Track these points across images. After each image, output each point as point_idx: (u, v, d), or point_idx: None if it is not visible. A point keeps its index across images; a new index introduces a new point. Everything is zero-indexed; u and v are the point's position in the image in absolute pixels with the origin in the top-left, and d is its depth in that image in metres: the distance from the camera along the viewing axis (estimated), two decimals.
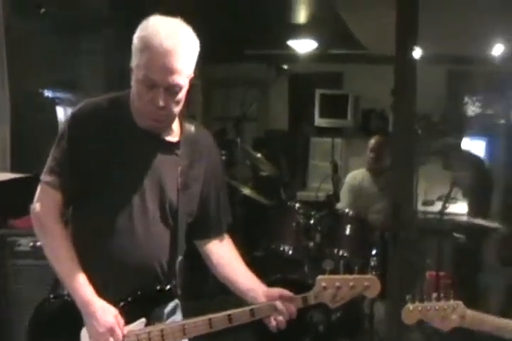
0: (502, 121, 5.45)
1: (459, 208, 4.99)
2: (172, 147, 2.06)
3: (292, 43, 6.52)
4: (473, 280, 4.46)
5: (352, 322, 3.95)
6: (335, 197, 4.36)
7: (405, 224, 3.58)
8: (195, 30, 1.96)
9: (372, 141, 5.07)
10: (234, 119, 4.51)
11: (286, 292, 2.10)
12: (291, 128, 7.59)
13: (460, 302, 2.04)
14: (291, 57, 6.72)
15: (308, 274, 3.97)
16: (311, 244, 4.08)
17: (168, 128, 2.05)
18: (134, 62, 1.92)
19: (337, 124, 6.99)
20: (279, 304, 2.06)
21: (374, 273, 3.92)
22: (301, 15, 5.73)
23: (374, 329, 4.31)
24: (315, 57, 6.89)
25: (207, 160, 2.15)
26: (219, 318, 2.02)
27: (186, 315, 2.18)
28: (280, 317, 2.06)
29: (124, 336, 1.95)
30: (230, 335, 3.75)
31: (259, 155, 4.62)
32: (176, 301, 2.17)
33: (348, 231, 4.07)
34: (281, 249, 4.00)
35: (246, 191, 4.59)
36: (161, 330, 1.99)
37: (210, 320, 2.01)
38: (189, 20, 1.97)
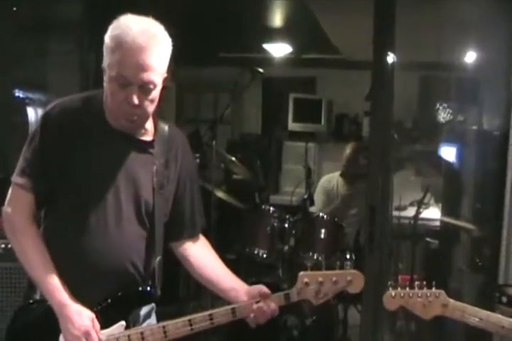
0: (473, 128, 5.49)
1: (432, 213, 5.02)
2: (146, 146, 2.04)
3: (267, 47, 6.51)
4: (445, 284, 4.48)
5: (326, 328, 3.94)
6: (309, 201, 4.35)
7: (380, 228, 3.58)
8: (169, 32, 1.94)
9: (348, 150, 5.08)
10: (209, 122, 4.46)
11: (266, 289, 2.07)
12: (264, 132, 7.59)
13: (442, 291, 2.05)
14: (266, 60, 6.72)
15: (282, 278, 3.94)
16: (286, 247, 4.06)
17: (140, 129, 2.02)
18: (106, 61, 1.89)
19: (310, 129, 7.00)
20: (259, 303, 2.03)
21: None
22: (277, 19, 5.73)
23: (347, 335, 4.32)
24: (289, 61, 6.89)
25: (182, 160, 2.13)
26: (200, 318, 1.99)
27: (160, 320, 2.14)
28: (261, 318, 2.03)
29: (100, 339, 1.91)
30: (202, 339, 3.74)
31: (233, 158, 4.60)
32: (152, 304, 2.14)
33: (322, 235, 4.06)
34: (256, 252, 3.97)
35: (220, 194, 4.56)
36: (141, 333, 1.96)
37: (190, 320, 1.98)
38: (163, 22, 1.94)
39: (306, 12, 4.96)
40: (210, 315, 1.99)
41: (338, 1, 4.54)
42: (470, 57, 5.59)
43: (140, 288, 2.04)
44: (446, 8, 4.18)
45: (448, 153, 5.65)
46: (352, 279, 2.04)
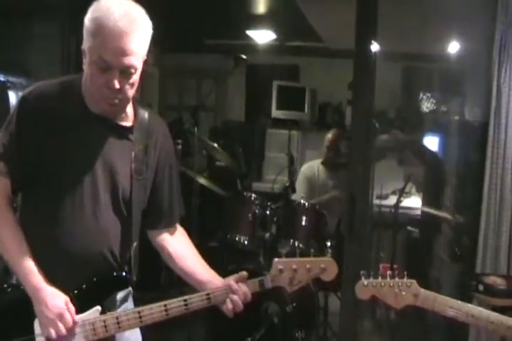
0: (456, 118, 5.53)
1: (413, 202, 5.05)
2: (125, 131, 2.02)
3: (251, 33, 6.49)
4: (425, 273, 4.53)
5: (306, 315, 3.97)
6: (291, 188, 4.36)
7: (360, 216, 3.59)
8: (154, 19, 1.93)
9: (329, 135, 5.10)
10: (191, 108, 4.45)
11: (242, 274, 2.07)
12: (247, 119, 7.58)
13: (414, 281, 2.06)
14: (250, 47, 6.70)
15: (263, 265, 3.96)
16: (267, 234, 4.08)
17: (121, 113, 2.01)
18: (86, 44, 1.87)
19: (294, 116, 6.99)
20: (233, 284, 2.04)
21: None
22: (261, 6, 5.71)
23: (328, 322, 4.35)
24: (273, 48, 6.88)
25: (161, 146, 2.11)
26: (175, 304, 1.99)
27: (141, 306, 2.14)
28: (235, 297, 2.03)
29: (74, 323, 1.91)
30: (184, 329, 3.76)
31: (215, 145, 4.60)
32: (129, 288, 2.13)
33: (303, 223, 4.09)
34: (237, 239, 3.98)
35: (202, 181, 4.56)
36: (117, 318, 1.96)
37: (165, 305, 1.98)
38: (147, 8, 1.93)
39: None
40: (185, 300, 2.00)
41: None
42: (453, 48, 5.61)
43: (115, 274, 2.03)
44: None
45: (430, 142, 5.69)
46: (326, 267, 2.05)
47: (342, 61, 5.61)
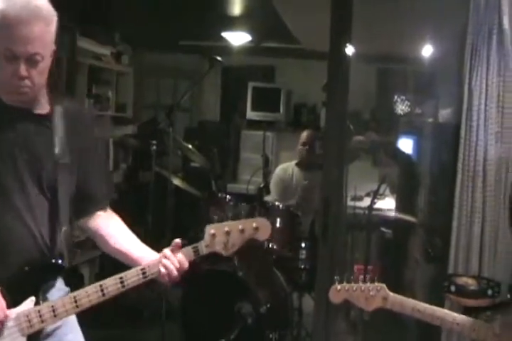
0: (430, 120, 5.57)
1: (387, 204, 5.08)
2: (43, 120, 2.06)
3: (226, 35, 6.48)
4: (400, 273, 4.56)
5: (280, 315, 3.97)
6: (266, 190, 4.37)
7: (335, 218, 3.61)
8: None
9: (304, 135, 5.13)
10: (166, 109, 4.43)
11: (175, 242, 2.05)
12: (223, 120, 7.59)
13: (383, 285, 2.19)
14: (225, 49, 6.70)
15: (238, 266, 3.95)
16: None
17: (36, 102, 2.04)
18: None
19: (269, 118, 7.02)
20: (166, 251, 2.02)
21: (303, 266, 4.00)
22: (237, 7, 5.70)
23: (302, 323, 4.36)
24: (249, 49, 6.88)
25: (81, 132, 2.15)
26: (110, 283, 1.97)
27: None
28: (166, 261, 2.00)
29: (5, 317, 1.87)
30: (158, 329, 3.74)
31: (190, 145, 4.59)
32: (66, 289, 2.11)
33: (278, 224, 4.09)
34: None
35: (176, 181, 4.55)
36: (52, 306, 1.93)
37: (101, 286, 1.96)
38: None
39: (265, 1, 4.95)
40: (120, 278, 1.97)
41: None
42: (427, 50, 5.65)
43: (46, 262, 2.00)
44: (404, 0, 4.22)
45: (404, 145, 5.72)
46: (258, 226, 2.02)
47: (317, 62, 5.63)
